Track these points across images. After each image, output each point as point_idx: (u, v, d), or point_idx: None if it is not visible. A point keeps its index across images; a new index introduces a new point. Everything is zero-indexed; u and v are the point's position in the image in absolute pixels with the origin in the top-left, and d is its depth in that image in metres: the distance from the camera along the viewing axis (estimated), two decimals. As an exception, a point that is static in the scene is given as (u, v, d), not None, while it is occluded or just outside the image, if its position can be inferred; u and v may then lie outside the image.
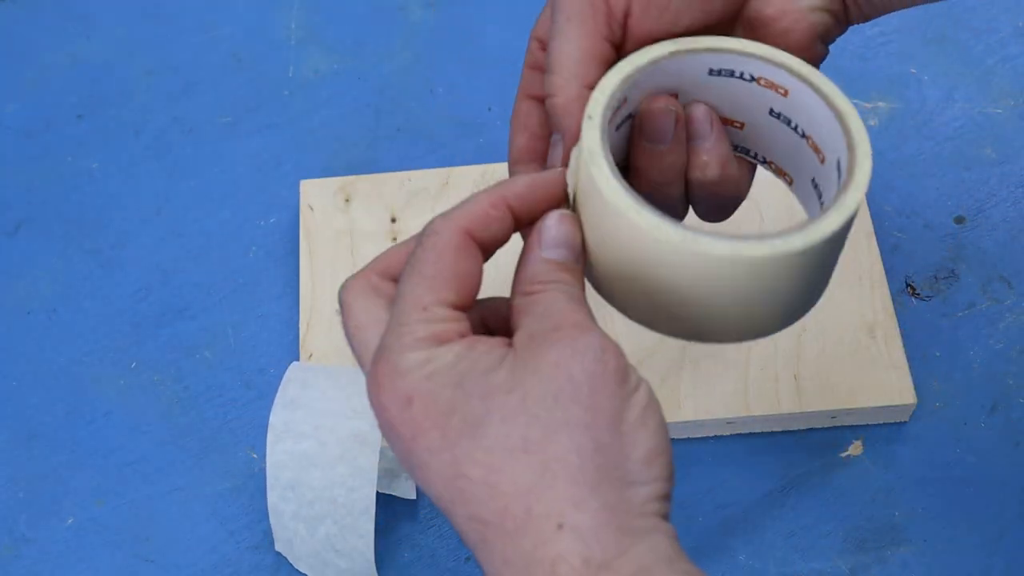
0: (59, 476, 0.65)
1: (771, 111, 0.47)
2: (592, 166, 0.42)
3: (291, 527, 0.59)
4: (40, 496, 0.65)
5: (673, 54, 0.46)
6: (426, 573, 0.62)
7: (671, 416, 0.63)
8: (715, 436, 0.64)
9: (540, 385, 0.40)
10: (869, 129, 0.74)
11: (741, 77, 0.47)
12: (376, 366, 0.41)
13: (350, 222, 0.70)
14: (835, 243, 0.43)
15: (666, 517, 0.41)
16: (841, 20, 0.49)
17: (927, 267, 0.69)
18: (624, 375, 0.41)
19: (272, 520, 0.60)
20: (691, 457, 0.64)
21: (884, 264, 0.67)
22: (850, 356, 0.64)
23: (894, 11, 0.50)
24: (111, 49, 0.79)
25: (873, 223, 0.68)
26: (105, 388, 0.68)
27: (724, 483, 0.64)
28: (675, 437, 0.64)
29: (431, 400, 0.40)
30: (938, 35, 0.77)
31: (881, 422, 0.65)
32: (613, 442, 0.40)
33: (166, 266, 0.71)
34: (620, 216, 0.42)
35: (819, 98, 0.45)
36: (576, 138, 0.45)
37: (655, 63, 0.46)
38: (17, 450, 0.66)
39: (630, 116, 0.47)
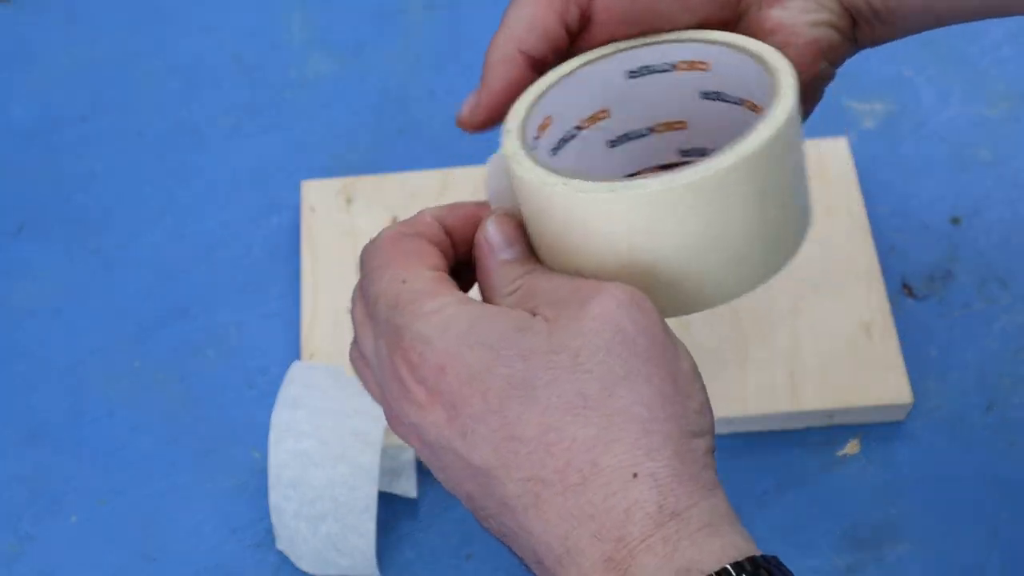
0: (62, 475, 0.66)
1: (703, 94, 0.46)
2: (512, 163, 0.42)
3: (293, 526, 0.60)
4: (43, 495, 0.65)
5: (585, 63, 0.45)
6: (427, 571, 0.62)
7: (669, 415, 0.63)
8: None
9: (589, 341, 0.39)
10: (866, 130, 0.75)
11: (661, 71, 0.46)
12: (400, 349, 0.40)
13: (351, 222, 0.70)
14: (756, 171, 0.40)
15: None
16: (849, 39, 0.48)
17: (923, 267, 0.69)
18: (669, 329, 0.41)
19: (274, 519, 0.60)
20: (689, 456, 0.65)
21: (880, 264, 0.68)
22: (847, 356, 0.65)
23: (910, 35, 0.49)
24: (115, 51, 0.80)
25: (870, 223, 0.69)
26: (108, 388, 0.68)
27: (721, 481, 0.64)
28: (673, 436, 0.65)
29: (463, 365, 0.39)
30: (933, 38, 0.78)
31: (878, 421, 0.65)
32: (676, 392, 0.39)
33: (169, 266, 0.72)
34: (540, 190, 0.41)
35: (739, 53, 0.44)
36: (492, 95, 0.46)
37: (568, 75, 0.45)
38: (20, 449, 0.67)
39: (568, 139, 0.46)
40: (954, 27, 0.80)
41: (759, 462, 0.64)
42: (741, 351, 0.65)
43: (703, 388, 0.41)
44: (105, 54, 0.80)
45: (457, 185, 0.71)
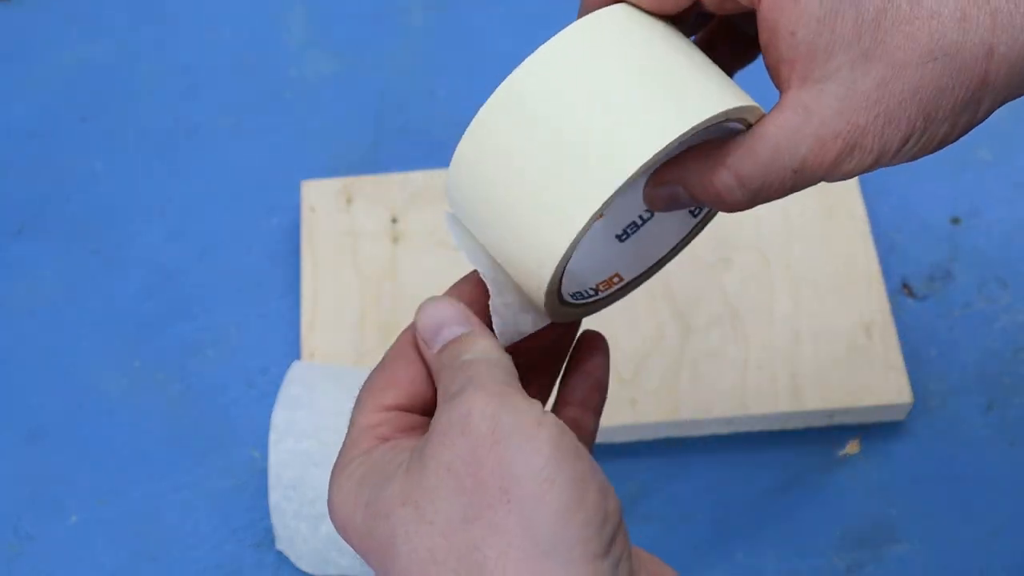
0: (62, 474, 0.66)
1: None
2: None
3: (293, 526, 0.60)
4: (43, 494, 0.65)
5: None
6: (427, 571, 0.62)
7: (670, 415, 0.63)
8: (713, 435, 0.65)
9: (426, 488, 0.37)
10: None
11: (645, 219, 0.45)
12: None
13: (351, 223, 0.70)
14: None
15: (616, 569, 0.36)
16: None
17: (923, 267, 0.70)
18: (507, 432, 0.36)
19: (274, 519, 0.60)
20: (689, 456, 0.65)
21: (881, 264, 0.68)
22: (847, 356, 0.65)
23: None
24: (115, 51, 0.80)
25: (870, 223, 0.69)
26: (108, 387, 0.68)
27: (722, 482, 0.64)
28: (673, 436, 0.65)
29: (352, 526, 0.39)
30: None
31: (878, 421, 0.65)
32: (510, 519, 0.35)
33: (169, 266, 0.72)
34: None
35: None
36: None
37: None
38: (20, 449, 0.67)
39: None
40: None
41: (759, 462, 0.64)
42: (741, 351, 0.65)
43: (570, 487, 0.36)
44: (106, 54, 0.80)
45: (457, 185, 0.71)
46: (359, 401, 0.41)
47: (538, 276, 0.40)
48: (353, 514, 0.39)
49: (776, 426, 0.65)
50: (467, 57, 0.79)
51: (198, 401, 0.67)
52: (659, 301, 0.66)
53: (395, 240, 0.70)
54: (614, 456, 0.64)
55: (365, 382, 0.42)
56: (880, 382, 0.64)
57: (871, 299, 0.66)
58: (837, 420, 0.65)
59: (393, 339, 0.43)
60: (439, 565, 0.36)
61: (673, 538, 0.62)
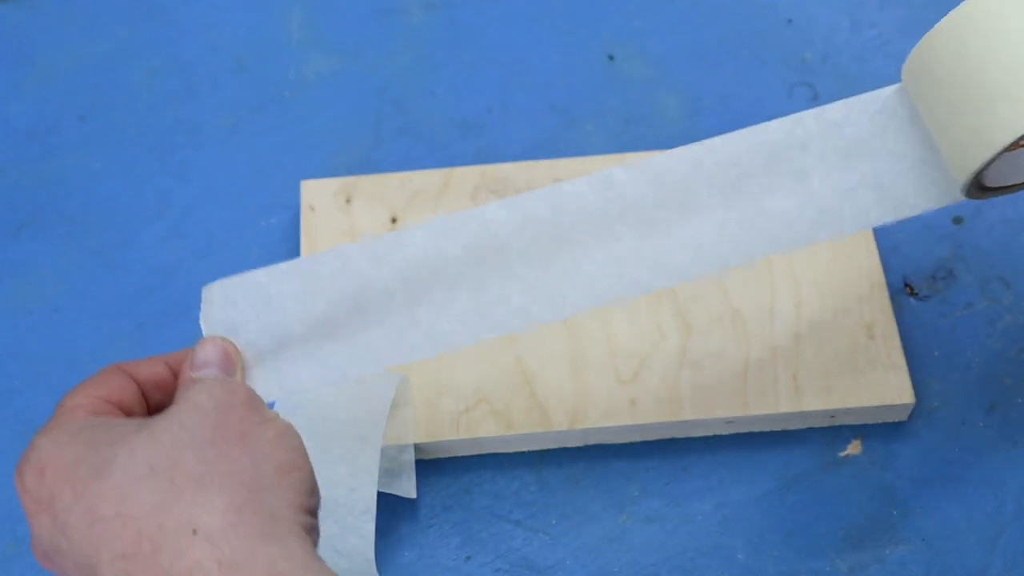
0: (62, 475, 0.66)
1: None
2: None
3: (292, 526, 0.60)
4: (43, 495, 0.65)
5: None
6: (426, 572, 0.62)
7: (670, 416, 0.63)
8: (714, 436, 0.65)
9: (167, 419, 0.43)
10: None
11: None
12: (17, 466, 0.44)
13: (351, 222, 0.70)
14: None
15: (310, 532, 0.43)
16: None
17: (925, 267, 0.69)
18: (257, 405, 0.44)
19: (273, 519, 0.60)
20: (690, 457, 0.64)
21: (882, 264, 0.68)
22: (849, 356, 0.65)
23: None
24: (114, 50, 0.80)
25: (872, 223, 0.69)
26: (107, 388, 0.68)
27: (723, 482, 0.64)
28: (674, 436, 0.64)
29: (60, 460, 0.42)
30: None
31: (879, 421, 0.65)
32: (242, 454, 0.42)
33: (168, 266, 0.72)
34: None
35: None
36: None
37: None
38: (20, 449, 0.66)
39: None
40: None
41: (760, 463, 0.64)
42: (742, 351, 0.65)
43: (291, 453, 0.44)
44: (104, 54, 0.80)
45: (457, 185, 0.71)
46: (70, 392, 0.46)
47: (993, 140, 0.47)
48: (62, 451, 0.42)
49: (777, 426, 0.64)
50: (467, 57, 0.79)
51: (197, 401, 0.67)
52: (659, 301, 0.66)
53: (395, 240, 0.69)
54: (614, 456, 0.64)
55: (77, 385, 0.47)
56: (881, 382, 0.64)
57: (873, 299, 0.66)
58: (838, 420, 0.64)
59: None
60: (156, 476, 0.41)
61: (673, 538, 0.62)
